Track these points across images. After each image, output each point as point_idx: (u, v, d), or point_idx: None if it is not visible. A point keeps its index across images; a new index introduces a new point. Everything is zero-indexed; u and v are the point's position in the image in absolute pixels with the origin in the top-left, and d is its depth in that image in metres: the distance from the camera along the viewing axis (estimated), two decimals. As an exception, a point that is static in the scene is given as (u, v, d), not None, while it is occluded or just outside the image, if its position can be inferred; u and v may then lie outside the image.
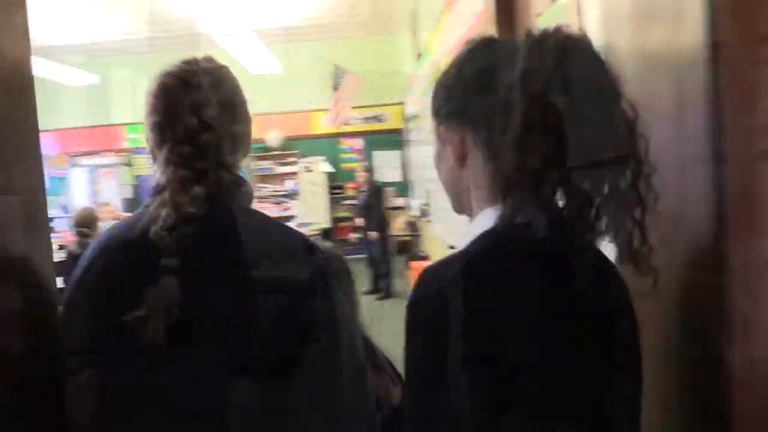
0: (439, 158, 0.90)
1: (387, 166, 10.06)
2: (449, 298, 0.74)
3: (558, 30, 0.78)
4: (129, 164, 10.15)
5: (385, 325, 6.17)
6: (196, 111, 1.00)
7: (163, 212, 0.94)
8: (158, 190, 1.00)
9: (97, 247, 1.02)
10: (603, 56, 0.78)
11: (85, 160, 10.01)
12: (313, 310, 0.97)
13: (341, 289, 1.05)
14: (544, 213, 0.74)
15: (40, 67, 7.84)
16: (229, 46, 7.18)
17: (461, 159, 0.85)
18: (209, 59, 1.10)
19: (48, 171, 10.12)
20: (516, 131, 0.74)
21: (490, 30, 2.71)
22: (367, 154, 10.15)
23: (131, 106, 10.04)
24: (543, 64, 0.74)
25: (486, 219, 0.81)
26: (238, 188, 1.04)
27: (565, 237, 0.77)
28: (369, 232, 7.14)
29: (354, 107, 9.35)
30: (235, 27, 6.44)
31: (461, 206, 0.90)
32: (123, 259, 0.99)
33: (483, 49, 0.84)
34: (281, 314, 0.95)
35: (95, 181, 9.70)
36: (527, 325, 0.74)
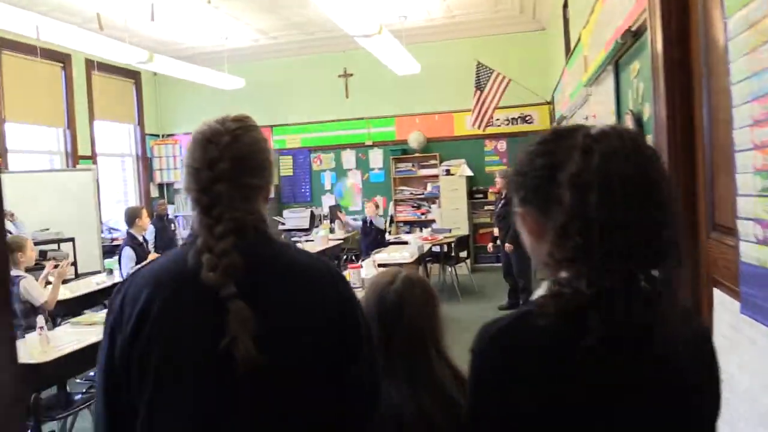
0: (521, 231, 1.03)
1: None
2: (486, 358, 0.95)
3: (613, 131, 0.92)
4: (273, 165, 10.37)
5: None
6: (212, 165, 1.16)
7: (204, 257, 1.11)
8: (194, 235, 1.18)
9: (150, 284, 1.17)
10: (652, 157, 0.93)
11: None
12: (345, 332, 1.21)
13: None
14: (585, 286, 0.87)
15: (191, 72, 8.16)
16: (373, 47, 7.01)
17: (537, 235, 0.98)
18: (239, 119, 1.25)
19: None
20: (563, 220, 0.88)
21: (654, 18, 2.20)
22: (511, 157, 9.61)
23: (277, 108, 10.32)
24: (589, 167, 0.88)
25: (545, 288, 0.94)
26: (259, 226, 1.20)
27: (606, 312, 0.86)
28: (506, 244, 6.63)
29: (499, 108, 8.91)
30: (378, 28, 6.26)
31: (546, 272, 1.00)
32: (188, 298, 1.15)
33: (550, 142, 0.96)
34: (321, 335, 1.18)
35: (243, 181, 10.01)
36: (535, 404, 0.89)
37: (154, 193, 10.75)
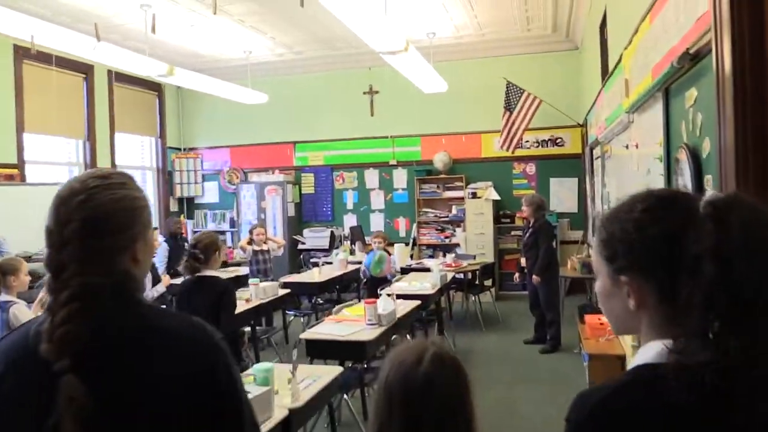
0: (610, 295, 1.00)
1: (563, 195, 9.08)
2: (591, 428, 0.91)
3: (737, 200, 0.90)
4: (294, 182, 10.14)
5: (550, 382, 5.09)
6: (62, 227, 1.09)
7: (44, 326, 1.04)
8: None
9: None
10: None
11: (255, 177, 10.15)
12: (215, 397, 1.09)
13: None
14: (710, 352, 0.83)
15: (212, 86, 7.97)
16: (399, 64, 6.73)
17: (640, 303, 0.96)
18: (104, 176, 1.16)
19: (223, 185, 10.61)
20: (703, 293, 0.85)
21: (722, 38, 1.86)
22: (541, 181, 9.24)
23: (300, 125, 10.09)
24: (729, 239, 0.85)
25: (651, 349, 0.93)
26: (121, 289, 1.10)
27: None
28: (533, 275, 6.23)
29: (528, 129, 8.57)
30: (404, 44, 5.99)
31: (625, 331, 1.06)
32: (23, 375, 1.06)
33: (664, 209, 0.94)
34: (181, 405, 1.05)
35: (262, 197, 9.78)
36: None
37: (174, 207, 10.58)
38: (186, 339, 1.11)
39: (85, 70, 8.42)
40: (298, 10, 6.48)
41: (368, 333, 4.04)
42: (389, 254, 7.08)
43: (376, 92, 9.74)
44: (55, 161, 8.58)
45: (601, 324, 4.67)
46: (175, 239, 7.91)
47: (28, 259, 6.53)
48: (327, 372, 3.23)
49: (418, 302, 5.09)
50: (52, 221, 1.11)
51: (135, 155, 10.23)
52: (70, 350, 1.00)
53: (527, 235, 6.45)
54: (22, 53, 7.44)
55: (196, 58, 9.41)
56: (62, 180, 7.04)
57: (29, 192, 7.30)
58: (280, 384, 2.81)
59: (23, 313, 3.65)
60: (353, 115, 9.79)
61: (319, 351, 4.06)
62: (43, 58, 7.34)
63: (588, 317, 5.09)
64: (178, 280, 6.81)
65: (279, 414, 2.63)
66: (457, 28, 8.33)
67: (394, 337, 4.45)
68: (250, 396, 2.50)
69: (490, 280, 7.83)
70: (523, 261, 6.55)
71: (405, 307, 4.86)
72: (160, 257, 7.53)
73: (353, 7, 4.56)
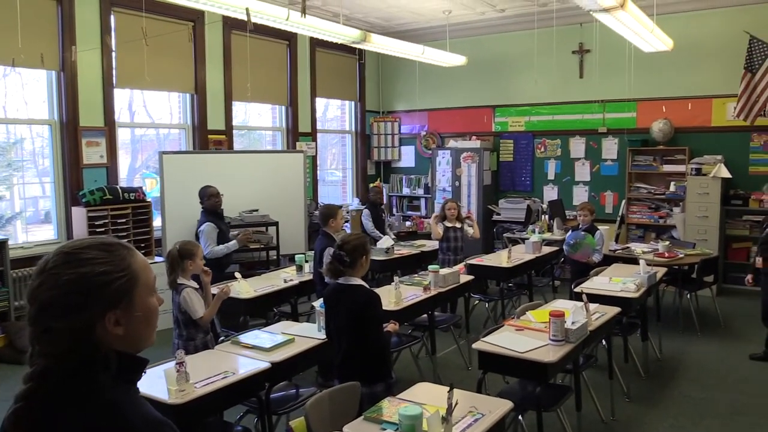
0: None
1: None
2: None
3: None
4: (492, 149, 9.57)
5: None
6: (29, 305, 1.12)
7: None
8: None
9: None
10: None
11: (451, 142, 9.76)
12: None
13: None
14: None
15: (408, 49, 7.63)
16: (611, 21, 5.81)
17: None
18: (66, 252, 1.12)
19: (419, 150, 10.38)
20: None
21: None
22: (787, 156, 7.68)
23: (500, 88, 9.44)
24: None
25: None
26: (69, 374, 1.07)
27: None
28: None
29: (775, 94, 7.11)
30: (620, 0, 5.10)
31: None
32: None
33: None
34: None
35: (458, 164, 9.38)
36: None
37: (371, 170, 10.61)
38: None
39: (288, 37, 8.55)
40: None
41: (552, 351, 3.48)
42: (597, 230, 6.30)
43: (587, 51, 8.73)
44: (260, 126, 8.94)
45: None
46: (375, 207, 7.90)
47: (229, 225, 6.86)
48: (496, 407, 2.77)
49: (617, 309, 4.36)
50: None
51: (334, 119, 10.38)
52: (24, 428, 1.04)
53: (767, 229, 5.30)
54: (230, 24, 7.71)
55: (395, 21, 9.15)
56: (265, 147, 7.24)
57: (235, 159, 7.66)
58: (434, 423, 2.41)
59: (192, 297, 3.68)
60: (559, 77, 8.89)
61: (493, 364, 3.60)
62: (244, 27, 7.52)
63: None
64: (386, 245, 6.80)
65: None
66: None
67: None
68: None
69: (712, 276, 6.67)
70: (758, 261, 5.40)
71: (600, 314, 4.19)
72: (369, 225, 7.69)
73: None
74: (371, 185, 9.27)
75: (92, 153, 6.55)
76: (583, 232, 6.22)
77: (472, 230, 6.65)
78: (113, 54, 6.67)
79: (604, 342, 4.58)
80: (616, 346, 4.78)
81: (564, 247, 6.38)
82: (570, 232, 6.51)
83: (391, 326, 3.37)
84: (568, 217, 8.59)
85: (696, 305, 6.47)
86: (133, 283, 1.14)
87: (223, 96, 7.87)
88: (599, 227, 6.57)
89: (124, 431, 1.06)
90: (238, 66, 7.95)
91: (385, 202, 9.05)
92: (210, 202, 6.05)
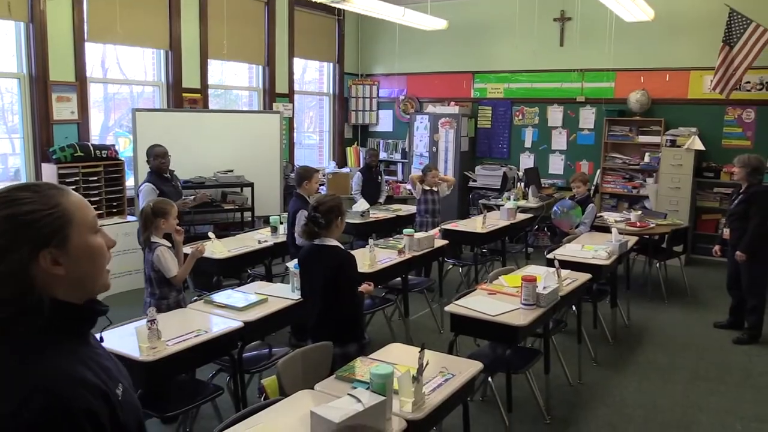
0: None
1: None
2: None
3: None
4: (470, 115, 9.55)
5: (741, 384, 4.16)
6: None
7: None
8: None
9: None
10: None
11: (429, 107, 9.71)
12: None
13: None
14: None
15: (392, 12, 7.52)
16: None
17: None
18: (20, 188, 1.10)
19: (397, 114, 10.32)
20: None
21: None
22: (760, 132, 7.78)
23: (480, 54, 9.38)
24: None
25: None
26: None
27: None
28: (737, 252, 5.21)
29: (752, 69, 7.16)
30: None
31: None
32: None
33: None
34: None
35: (435, 129, 9.35)
36: None
37: (348, 134, 10.54)
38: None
39: (267, -6, 8.37)
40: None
41: (523, 315, 3.53)
42: (591, 204, 6.35)
43: (568, 19, 8.69)
44: (236, 86, 8.79)
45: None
46: (369, 170, 7.87)
47: (201, 185, 6.78)
48: (466, 368, 2.81)
49: (588, 276, 4.43)
50: None
51: (312, 81, 10.24)
52: None
53: (736, 202, 5.37)
54: (207, -22, 7.51)
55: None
56: (242, 107, 7.09)
57: (211, 118, 7.53)
58: (405, 382, 2.44)
59: (165, 256, 3.65)
60: (539, 44, 8.84)
61: (465, 327, 3.65)
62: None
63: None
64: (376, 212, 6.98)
65: (398, 426, 2.28)
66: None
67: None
68: (361, 407, 2.19)
69: (682, 246, 6.80)
70: (726, 232, 5.51)
71: (571, 280, 4.25)
72: (355, 187, 7.80)
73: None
74: (368, 148, 9.24)
75: (63, 108, 6.39)
76: (573, 203, 6.26)
77: (446, 183, 6.69)
78: (84, 4, 6.47)
79: (573, 308, 4.67)
80: (585, 312, 4.88)
81: (553, 209, 6.40)
82: (566, 199, 6.52)
83: (365, 287, 3.38)
84: (543, 185, 8.66)
85: (665, 274, 6.60)
86: (66, 220, 1.10)
87: (199, 53, 7.70)
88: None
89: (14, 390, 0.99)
90: (214, 22, 7.77)
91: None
92: (156, 162, 5.68)
